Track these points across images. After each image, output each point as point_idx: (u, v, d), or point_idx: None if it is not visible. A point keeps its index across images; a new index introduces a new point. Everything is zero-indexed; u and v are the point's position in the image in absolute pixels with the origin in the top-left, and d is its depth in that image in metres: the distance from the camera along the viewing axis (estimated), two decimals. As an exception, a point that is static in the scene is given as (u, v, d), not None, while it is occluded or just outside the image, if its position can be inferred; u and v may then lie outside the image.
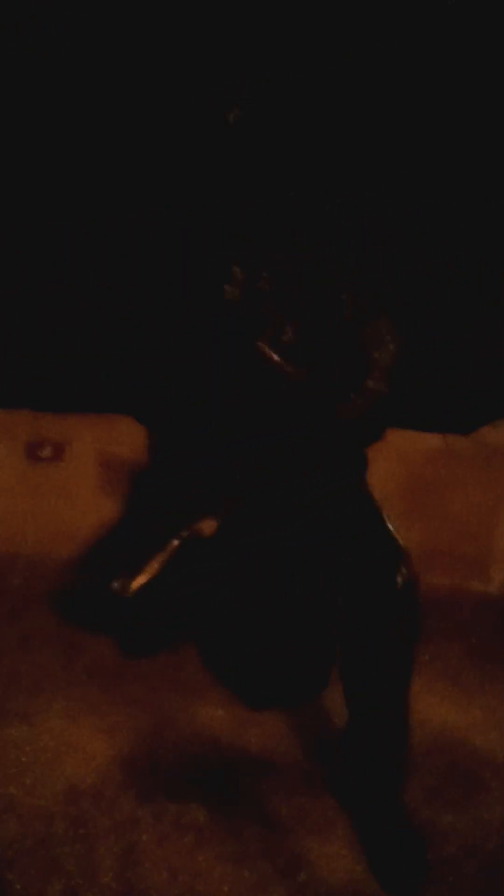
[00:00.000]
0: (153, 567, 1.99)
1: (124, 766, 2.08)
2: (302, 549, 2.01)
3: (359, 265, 2.12)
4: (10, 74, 2.57)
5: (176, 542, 2.01)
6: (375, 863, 1.87)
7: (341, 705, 1.99)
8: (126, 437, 2.93)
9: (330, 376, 1.93)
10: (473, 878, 1.87)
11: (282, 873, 1.84)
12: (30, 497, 2.95)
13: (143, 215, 2.50)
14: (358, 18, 2.37)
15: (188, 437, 2.22)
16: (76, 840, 1.88)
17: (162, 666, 2.41)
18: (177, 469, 2.23)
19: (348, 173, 2.19)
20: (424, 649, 2.55)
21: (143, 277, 2.53)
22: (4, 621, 2.57)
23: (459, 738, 2.31)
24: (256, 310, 1.98)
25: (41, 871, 1.79)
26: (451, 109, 2.51)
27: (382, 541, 1.95)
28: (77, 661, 2.43)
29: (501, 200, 2.72)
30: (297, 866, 1.87)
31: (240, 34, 2.36)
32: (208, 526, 2.05)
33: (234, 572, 2.05)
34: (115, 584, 1.97)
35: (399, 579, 1.88)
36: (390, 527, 2.02)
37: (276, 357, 1.88)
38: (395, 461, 2.88)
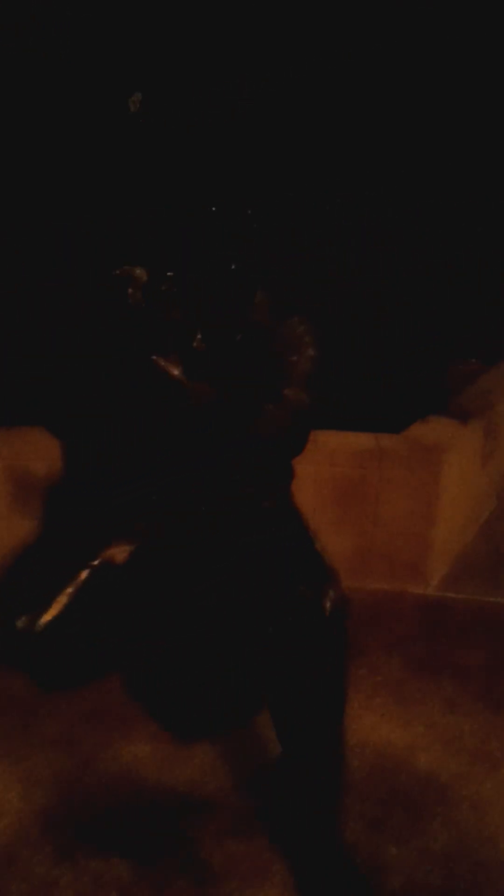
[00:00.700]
0: (62, 600, 1.82)
1: (39, 819, 1.92)
2: (225, 571, 1.87)
3: (273, 262, 1.97)
4: None
5: (85, 574, 1.84)
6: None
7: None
8: (41, 451, 2.75)
9: (243, 386, 1.77)
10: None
11: (214, 929, 1.70)
12: None
13: (43, 214, 2.32)
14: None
15: (100, 452, 2.04)
16: (-14, 911, 1.71)
17: (81, 700, 2.24)
18: (88, 488, 2.06)
19: (262, 162, 2.07)
20: (362, 662, 2.50)
21: (45, 281, 2.36)
22: None
23: (402, 759, 2.19)
24: (161, 315, 1.83)
25: None
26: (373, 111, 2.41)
27: (309, 562, 1.82)
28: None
29: (428, 196, 2.63)
30: (230, 919, 1.73)
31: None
32: (120, 552, 1.89)
33: (153, 599, 1.90)
34: (21, 622, 1.81)
35: (327, 604, 1.75)
36: (316, 546, 1.89)
37: (176, 371, 1.73)
38: (325, 463, 2.80)
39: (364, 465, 2.79)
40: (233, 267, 1.87)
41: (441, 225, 2.64)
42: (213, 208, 1.87)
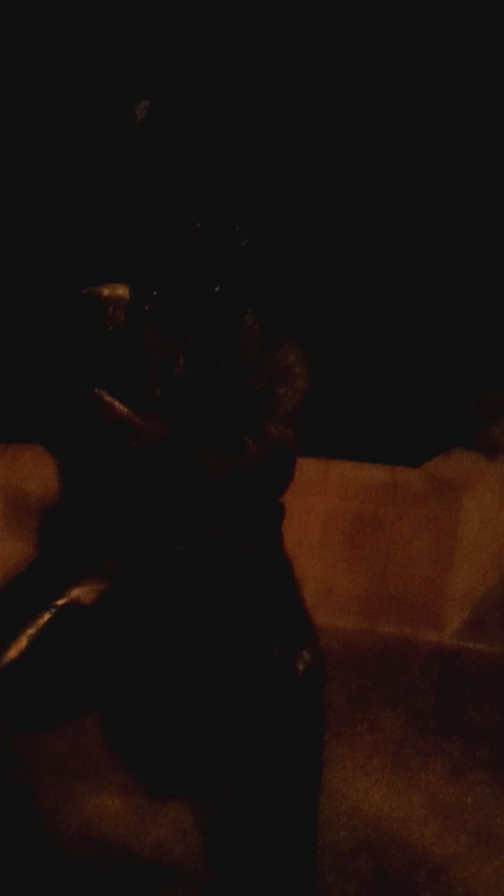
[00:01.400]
0: (21, 643, 1.68)
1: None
2: (197, 621, 1.72)
3: (266, 281, 1.81)
4: None
5: (47, 616, 1.70)
6: None
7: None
8: (35, 471, 2.63)
9: (215, 421, 1.61)
10: None
11: None
12: None
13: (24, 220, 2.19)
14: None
15: (81, 478, 1.89)
16: None
17: (47, 747, 2.08)
18: (73, 516, 1.92)
19: (262, 169, 1.91)
20: (362, 716, 2.33)
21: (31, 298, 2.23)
22: None
23: (394, 833, 1.99)
24: (142, 338, 1.70)
25: None
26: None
27: (285, 617, 1.66)
28: None
29: (454, 211, 2.45)
30: None
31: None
32: (87, 593, 1.74)
33: (123, 646, 1.76)
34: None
35: (300, 667, 1.58)
36: (298, 596, 1.73)
37: (120, 408, 1.56)
38: (336, 497, 2.64)
39: (378, 500, 2.62)
40: (217, 289, 1.70)
41: (469, 242, 2.45)
42: (198, 224, 1.69)
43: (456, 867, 1.90)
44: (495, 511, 2.81)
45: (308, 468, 2.53)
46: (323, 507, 2.62)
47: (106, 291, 1.74)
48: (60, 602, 1.73)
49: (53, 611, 1.71)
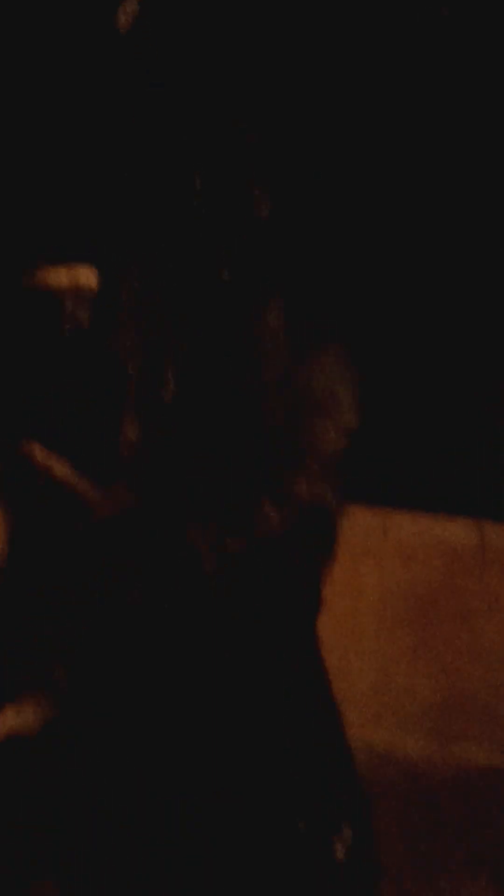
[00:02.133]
0: None
1: None
2: (190, 769, 1.33)
3: (296, 266, 1.44)
4: None
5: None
6: None
7: None
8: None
9: (214, 478, 1.33)
10: None
11: None
12: None
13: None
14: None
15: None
16: None
17: None
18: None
19: (287, 111, 1.60)
20: (425, 884, 1.90)
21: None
22: None
23: None
24: (115, 346, 1.38)
25: None
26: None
27: (317, 770, 1.28)
28: None
29: None
30: None
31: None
32: (27, 720, 1.36)
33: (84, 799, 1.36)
34: None
35: (339, 853, 1.23)
36: (337, 729, 1.32)
37: (62, 470, 1.29)
38: (397, 562, 2.40)
39: (456, 567, 2.35)
40: (226, 275, 1.39)
41: None
42: (199, 175, 1.36)
43: None
44: None
45: (360, 522, 2.22)
46: (379, 578, 2.35)
47: (62, 278, 1.42)
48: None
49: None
